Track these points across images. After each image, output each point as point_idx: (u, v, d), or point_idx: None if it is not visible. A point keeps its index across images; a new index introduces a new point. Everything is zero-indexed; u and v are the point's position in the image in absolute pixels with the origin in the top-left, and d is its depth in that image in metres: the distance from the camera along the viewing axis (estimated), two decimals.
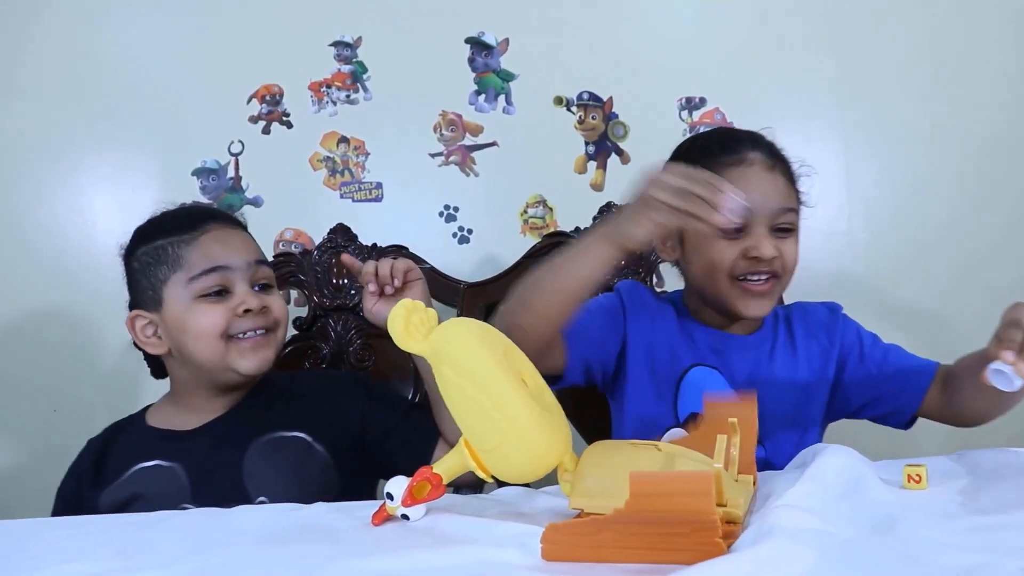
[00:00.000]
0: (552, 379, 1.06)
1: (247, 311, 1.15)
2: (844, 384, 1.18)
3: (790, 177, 1.14)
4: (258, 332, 1.16)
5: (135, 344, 1.20)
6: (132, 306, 1.20)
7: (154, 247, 1.17)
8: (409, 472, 0.81)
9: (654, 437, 0.89)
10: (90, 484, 1.16)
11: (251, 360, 1.16)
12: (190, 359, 1.17)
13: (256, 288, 1.18)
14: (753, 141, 1.14)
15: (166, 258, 1.16)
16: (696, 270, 1.14)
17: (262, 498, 1.11)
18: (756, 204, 1.06)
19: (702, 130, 1.74)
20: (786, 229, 1.11)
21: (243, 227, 1.25)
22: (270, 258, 1.55)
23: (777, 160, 1.13)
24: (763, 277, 1.10)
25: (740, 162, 1.11)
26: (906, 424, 1.15)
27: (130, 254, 1.21)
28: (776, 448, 1.12)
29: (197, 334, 1.14)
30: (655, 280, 1.49)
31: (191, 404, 1.20)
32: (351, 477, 1.19)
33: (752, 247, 1.08)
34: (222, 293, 1.15)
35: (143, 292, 1.18)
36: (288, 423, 1.18)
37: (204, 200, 1.75)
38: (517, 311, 1.00)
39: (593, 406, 1.27)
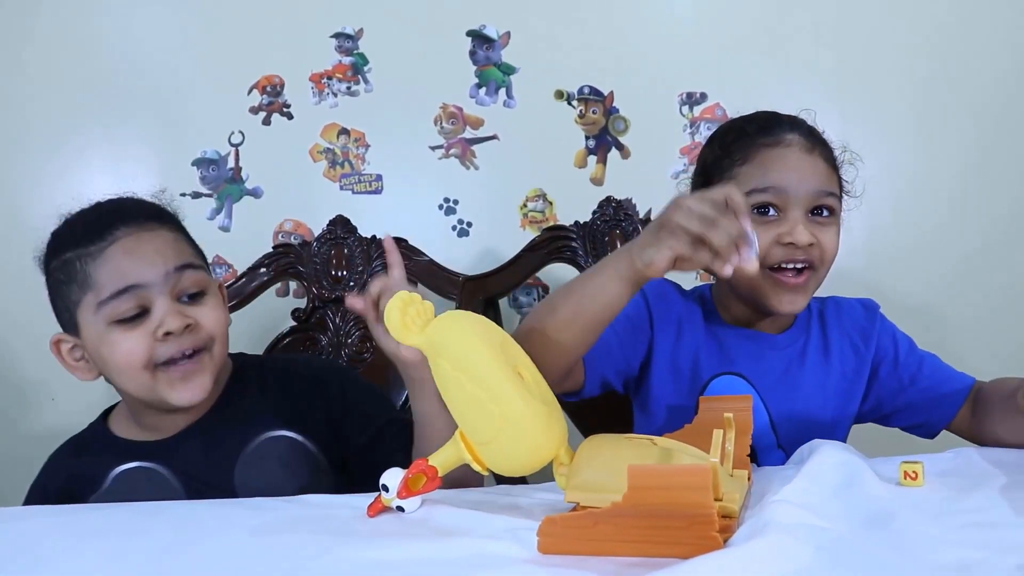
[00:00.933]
0: (568, 395, 1.04)
1: (168, 334, 0.99)
2: (875, 390, 1.14)
3: (831, 161, 1.09)
4: (187, 355, 1.01)
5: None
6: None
7: (63, 261, 1.02)
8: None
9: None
10: (66, 498, 1.03)
11: (182, 392, 1.01)
12: (121, 390, 1.05)
13: (184, 299, 1.02)
14: (792, 123, 1.09)
15: (75, 275, 1.00)
16: None
17: None
18: (792, 185, 1.03)
19: (703, 125, 1.75)
20: (824, 215, 1.06)
21: (165, 221, 1.06)
22: (269, 248, 1.55)
23: (817, 142, 1.08)
24: (798, 266, 1.03)
25: (778, 143, 1.06)
26: (932, 435, 1.11)
27: (46, 266, 1.05)
28: None
29: (117, 367, 1.00)
30: None
31: (151, 424, 1.08)
32: (345, 476, 1.09)
33: (786, 233, 1.02)
34: (140, 315, 0.99)
35: (61, 314, 1.04)
36: (272, 420, 1.08)
37: (204, 191, 1.75)
38: (533, 334, 0.91)
39: (590, 400, 1.26)
